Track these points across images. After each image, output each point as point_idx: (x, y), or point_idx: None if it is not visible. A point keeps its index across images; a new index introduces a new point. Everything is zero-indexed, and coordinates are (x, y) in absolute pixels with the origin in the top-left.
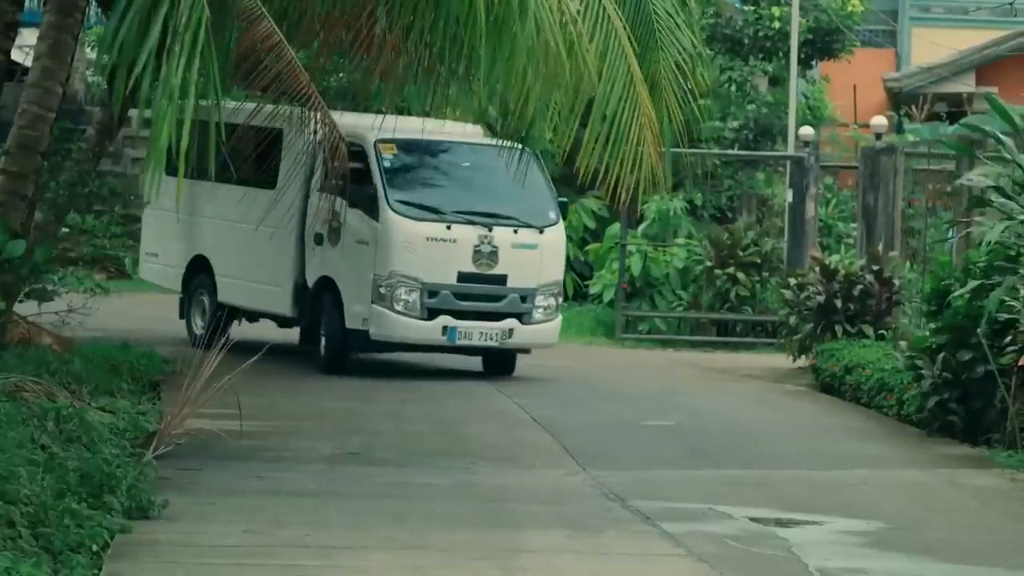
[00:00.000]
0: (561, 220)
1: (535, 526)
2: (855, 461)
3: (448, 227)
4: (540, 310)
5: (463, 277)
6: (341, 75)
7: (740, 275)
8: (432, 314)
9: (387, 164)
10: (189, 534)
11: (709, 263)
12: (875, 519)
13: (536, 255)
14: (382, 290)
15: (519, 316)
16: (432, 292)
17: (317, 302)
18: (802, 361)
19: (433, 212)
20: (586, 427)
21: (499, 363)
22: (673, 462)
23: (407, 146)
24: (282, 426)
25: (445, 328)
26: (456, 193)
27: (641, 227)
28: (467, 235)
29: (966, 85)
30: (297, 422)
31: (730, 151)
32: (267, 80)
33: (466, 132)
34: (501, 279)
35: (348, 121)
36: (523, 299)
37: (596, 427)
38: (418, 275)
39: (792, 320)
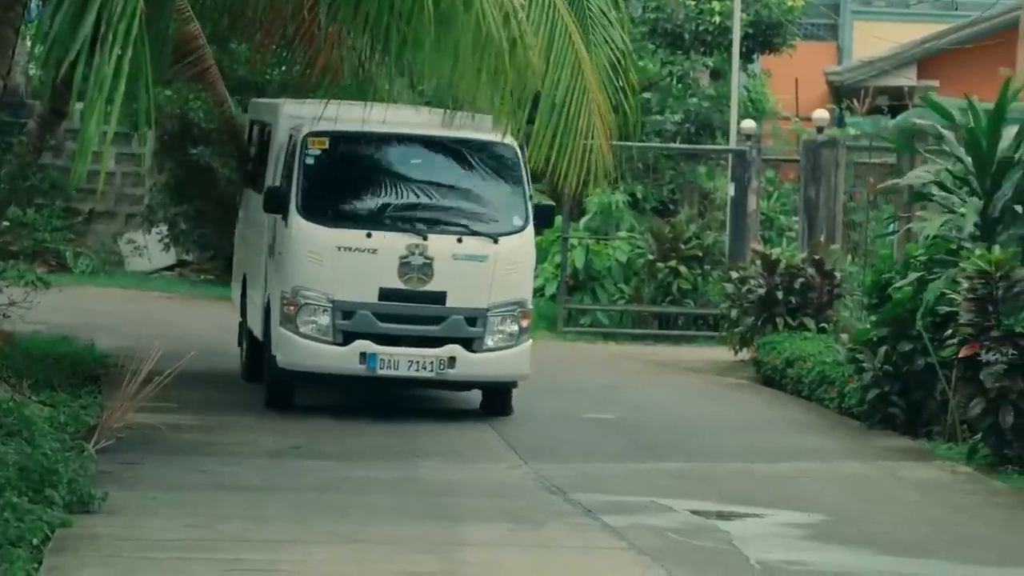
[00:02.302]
0: (531, 227)
1: (477, 520)
2: (796, 454)
3: (368, 235)
4: (495, 335)
5: (386, 294)
6: (283, 68)
7: (682, 268)
8: (348, 338)
9: (309, 161)
10: (130, 528)
11: (651, 256)
12: (816, 512)
13: (487, 269)
14: (287, 309)
15: (465, 342)
16: (347, 312)
17: (266, 324)
18: (744, 354)
19: (350, 217)
20: (528, 421)
21: (494, 401)
22: (615, 455)
23: (344, 140)
24: (224, 420)
25: (363, 355)
26: (389, 195)
27: (583, 220)
28: (392, 244)
29: (907, 78)
30: (239, 416)
31: (672, 144)
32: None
33: (432, 121)
34: (438, 297)
35: (292, 111)
36: (470, 322)
37: (538, 421)
38: (328, 291)
39: (734, 313)
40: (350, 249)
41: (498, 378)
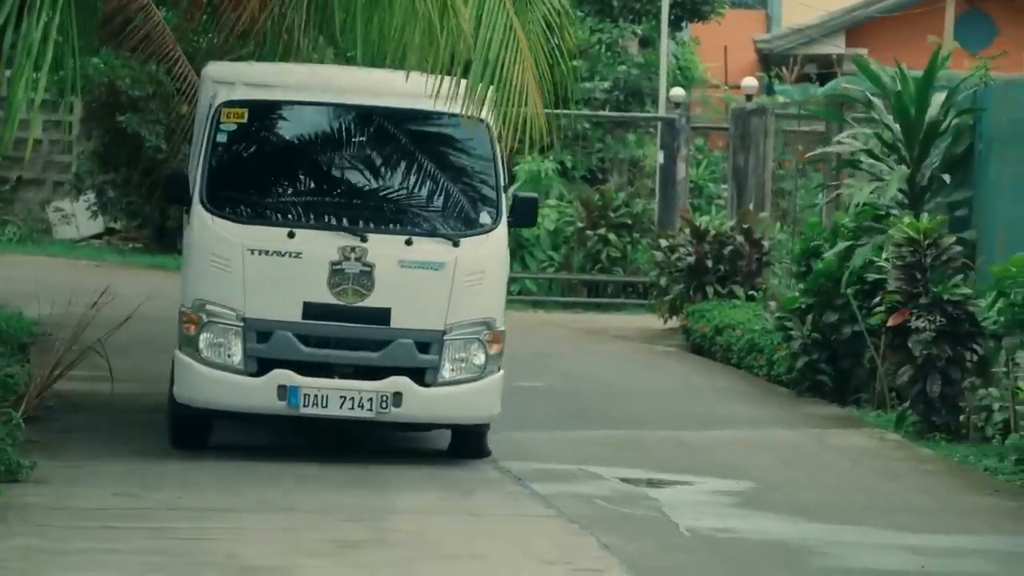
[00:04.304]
0: (504, 225)
1: (406, 488)
2: (726, 422)
3: (290, 234)
4: (454, 365)
5: (313, 311)
6: (211, 35)
7: (611, 236)
8: (263, 367)
9: (221, 138)
10: (59, 497)
11: (580, 224)
12: (746, 479)
13: (443, 279)
14: (187, 328)
15: (415, 373)
16: (262, 334)
17: None
18: (673, 322)
19: (268, 211)
20: None
21: (464, 443)
22: (545, 423)
23: (267, 111)
24: (152, 389)
25: (283, 389)
26: (321, 182)
27: (512, 188)
28: (321, 247)
29: (836, 46)
30: (167, 385)
31: (601, 112)
32: (135, 41)
33: (389, 86)
34: (380, 315)
35: (217, 74)
36: (421, 347)
37: None
38: (238, 306)
39: (663, 281)
40: (267, 252)
41: (458, 420)
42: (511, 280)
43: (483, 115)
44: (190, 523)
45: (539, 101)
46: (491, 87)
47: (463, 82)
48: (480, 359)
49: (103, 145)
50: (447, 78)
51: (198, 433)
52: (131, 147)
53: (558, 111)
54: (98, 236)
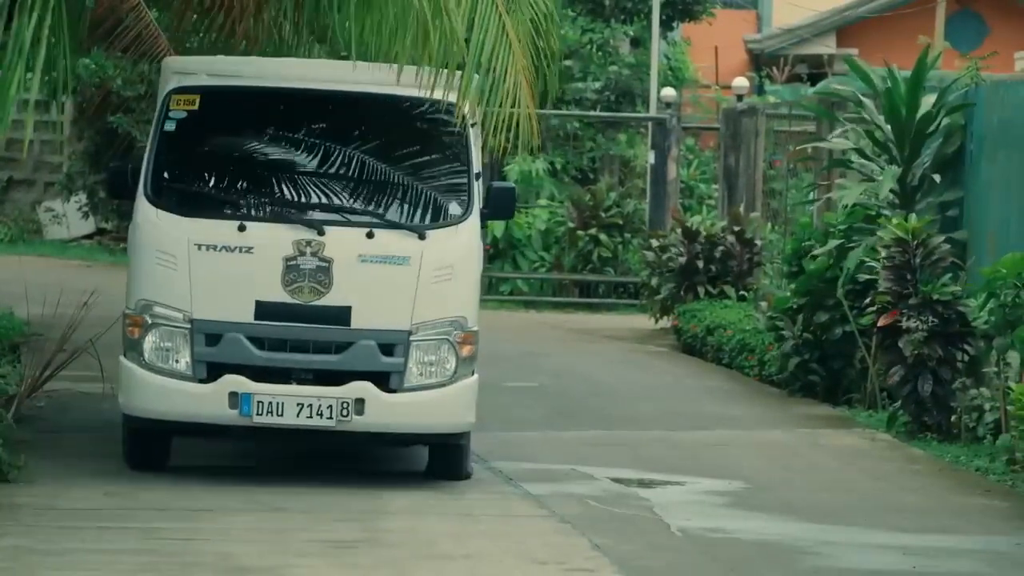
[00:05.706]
0: (475, 216)
1: (398, 488)
2: (717, 421)
3: (241, 227)
4: (422, 368)
5: (266, 311)
6: (202, 35)
7: (602, 236)
8: (213, 372)
9: (169, 127)
10: (50, 497)
11: (571, 224)
12: (737, 479)
13: (409, 275)
14: (130, 331)
15: (379, 378)
16: (211, 336)
17: None
18: (664, 322)
19: (217, 203)
20: None
21: (441, 461)
22: (536, 423)
23: (219, 98)
24: None
25: (235, 396)
26: (275, 172)
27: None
28: (274, 241)
29: (827, 47)
30: None
31: (592, 112)
32: (127, 41)
33: (351, 75)
34: (339, 314)
35: (179, 67)
36: (386, 349)
37: None
38: (184, 307)
39: (654, 281)
40: (215, 248)
41: (427, 429)
42: (502, 280)
43: (454, 99)
44: (181, 523)
45: (532, 103)
46: (475, 78)
47: (442, 71)
48: (451, 362)
49: (94, 145)
50: (425, 67)
51: (155, 452)
52: (122, 147)
53: (549, 111)
54: (89, 236)
